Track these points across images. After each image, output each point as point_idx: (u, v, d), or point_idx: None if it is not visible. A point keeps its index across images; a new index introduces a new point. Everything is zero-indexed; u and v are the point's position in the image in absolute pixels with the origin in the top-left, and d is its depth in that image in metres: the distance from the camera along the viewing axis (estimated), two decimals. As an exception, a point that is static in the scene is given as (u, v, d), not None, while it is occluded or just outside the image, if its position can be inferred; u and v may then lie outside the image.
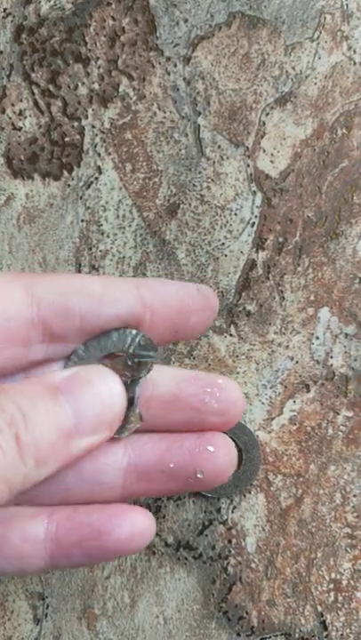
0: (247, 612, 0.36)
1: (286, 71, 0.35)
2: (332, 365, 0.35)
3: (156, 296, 0.26)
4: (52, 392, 0.23)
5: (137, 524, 0.26)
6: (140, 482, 0.26)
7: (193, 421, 0.26)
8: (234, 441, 0.35)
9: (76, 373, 0.24)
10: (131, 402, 0.26)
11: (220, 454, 0.26)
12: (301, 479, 0.36)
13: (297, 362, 0.36)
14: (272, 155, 0.35)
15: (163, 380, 0.27)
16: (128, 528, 0.25)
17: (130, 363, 0.26)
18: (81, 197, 0.36)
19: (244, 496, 0.36)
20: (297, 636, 0.36)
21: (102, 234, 0.36)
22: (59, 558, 0.26)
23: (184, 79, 0.35)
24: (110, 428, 0.25)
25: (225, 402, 0.26)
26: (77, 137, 0.36)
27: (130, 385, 0.26)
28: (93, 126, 0.36)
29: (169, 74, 0.35)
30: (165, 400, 0.26)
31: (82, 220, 0.36)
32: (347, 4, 0.35)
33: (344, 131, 0.35)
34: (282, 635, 0.36)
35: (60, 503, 0.26)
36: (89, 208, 0.36)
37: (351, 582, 0.35)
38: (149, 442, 0.26)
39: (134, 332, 0.26)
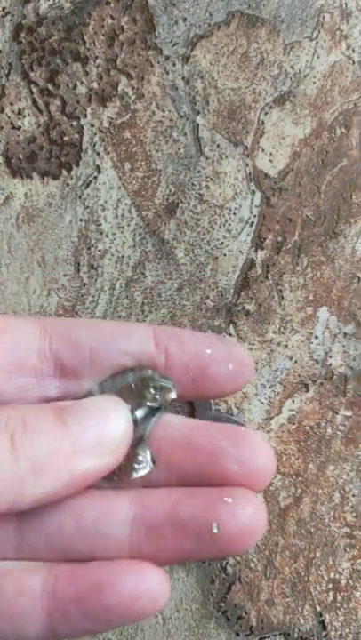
0: (246, 612, 0.36)
1: (285, 70, 0.35)
2: (331, 365, 0.35)
3: (170, 336, 0.24)
4: (58, 412, 0.22)
5: (145, 579, 0.22)
6: (149, 537, 0.23)
7: (209, 470, 0.23)
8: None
9: (84, 400, 0.24)
10: (140, 439, 0.24)
11: (240, 506, 0.22)
12: (300, 479, 0.36)
13: (296, 361, 0.36)
14: (271, 154, 0.35)
15: (175, 422, 0.24)
16: (134, 582, 0.22)
17: (146, 395, 0.24)
18: (80, 197, 0.36)
19: (243, 495, 0.36)
20: (296, 635, 0.36)
21: (101, 233, 0.36)
22: (56, 617, 0.22)
23: (183, 78, 0.35)
24: (113, 454, 0.23)
25: (245, 449, 0.23)
26: (76, 136, 0.36)
27: (141, 421, 0.24)
28: (92, 125, 0.35)
29: (168, 73, 0.35)
30: (177, 442, 0.24)
31: (81, 220, 0.36)
32: (346, 3, 0.35)
33: (343, 130, 0.35)
34: (281, 634, 0.36)
35: (61, 558, 0.23)
36: (88, 207, 0.36)
37: (350, 582, 0.35)
38: (160, 493, 0.23)
39: (150, 371, 0.24)
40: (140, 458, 0.24)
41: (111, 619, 0.22)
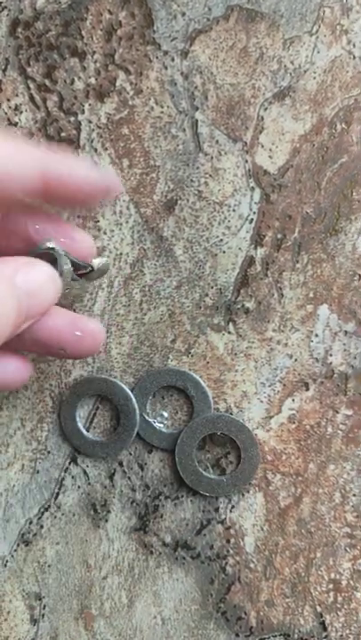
0: (246, 613, 0.35)
1: (285, 65, 0.35)
2: (331, 363, 0.35)
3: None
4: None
5: (8, 365, 0.31)
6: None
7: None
8: (232, 440, 0.35)
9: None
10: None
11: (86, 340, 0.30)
12: (300, 478, 0.35)
13: (296, 360, 0.35)
14: (271, 150, 0.35)
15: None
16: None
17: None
18: (77, 193, 0.35)
19: (243, 495, 0.35)
20: (296, 636, 0.35)
21: (99, 230, 0.35)
22: None
23: (182, 73, 0.35)
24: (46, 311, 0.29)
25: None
26: (74, 132, 0.35)
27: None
28: (90, 121, 0.35)
29: (166, 68, 0.35)
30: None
31: (78, 217, 0.35)
32: (346, -2, 0.34)
33: (343, 126, 0.35)
34: (281, 635, 0.35)
35: None
36: (85, 204, 0.35)
37: (351, 582, 0.35)
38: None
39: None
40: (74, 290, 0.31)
41: None
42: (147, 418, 0.36)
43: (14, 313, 0.26)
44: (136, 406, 0.35)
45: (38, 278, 0.28)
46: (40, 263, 0.28)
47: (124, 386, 0.35)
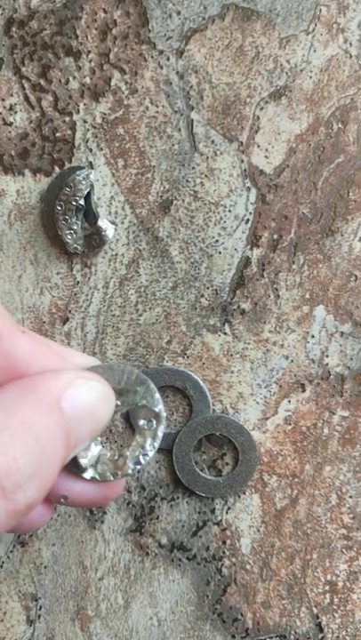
0: (242, 614, 0.35)
1: (281, 64, 0.34)
2: (327, 364, 0.35)
3: None
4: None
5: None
6: None
7: None
8: (230, 441, 0.35)
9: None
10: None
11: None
12: (297, 480, 0.35)
13: (292, 361, 0.35)
14: (267, 150, 0.35)
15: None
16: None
17: None
18: (72, 194, 0.35)
19: (239, 497, 0.35)
20: (292, 637, 0.35)
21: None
22: None
23: (177, 73, 0.34)
24: (99, 433, 0.24)
25: None
26: (69, 132, 0.35)
27: None
28: (85, 121, 0.35)
29: (161, 67, 0.34)
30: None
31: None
32: (343, -4, 0.34)
33: (340, 125, 0.34)
34: (277, 637, 0.35)
35: None
36: (81, 205, 0.35)
37: (347, 584, 0.35)
38: None
39: None
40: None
41: None
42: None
43: (62, 449, 0.21)
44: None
45: (89, 398, 0.23)
46: (90, 377, 0.23)
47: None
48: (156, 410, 0.25)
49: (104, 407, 0.23)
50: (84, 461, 0.25)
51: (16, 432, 0.20)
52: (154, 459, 0.36)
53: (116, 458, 0.25)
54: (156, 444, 0.25)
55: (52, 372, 0.23)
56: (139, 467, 0.25)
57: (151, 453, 0.25)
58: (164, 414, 0.25)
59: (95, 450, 0.25)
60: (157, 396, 0.25)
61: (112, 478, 0.25)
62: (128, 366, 0.25)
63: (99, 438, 0.25)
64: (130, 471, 0.25)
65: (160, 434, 0.25)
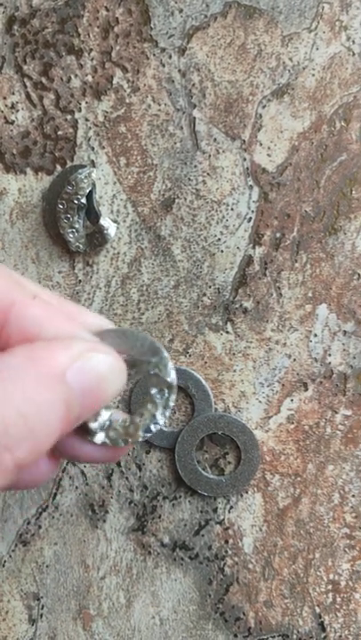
0: (244, 613, 0.35)
1: (283, 62, 0.34)
2: (330, 363, 0.35)
3: None
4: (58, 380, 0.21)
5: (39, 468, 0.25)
6: None
7: None
8: (232, 440, 0.35)
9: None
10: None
11: None
12: (299, 479, 0.35)
13: (295, 360, 0.35)
14: (269, 148, 0.34)
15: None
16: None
17: None
18: (74, 192, 0.35)
19: (241, 496, 0.35)
20: (295, 637, 0.35)
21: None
22: None
23: (179, 71, 0.34)
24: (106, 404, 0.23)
25: None
26: (70, 130, 0.35)
27: None
28: (87, 119, 0.35)
29: (164, 65, 0.34)
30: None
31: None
32: (346, -7, 0.34)
33: (343, 123, 0.34)
34: (279, 636, 0.35)
35: None
36: (83, 203, 0.35)
37: (350, 583, 0.35)
38: None
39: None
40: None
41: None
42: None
43: (60, 421, 0.21)
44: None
45: (97, 372, 0.22)
46: (100, 350, 0.22)
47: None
48: (169, 380, 0.25)
49: (113, 382, 0.22)
50: (93, 425, 0.24)
51: (14, 398, 0.20)
52: (156, 458, 0.36)
53: (127, 424, 0.25)
54: (167, 413, 0.25)
55: (62, 342, 0.22)
56: (149, 434, 0.25)
57: (162, 422, 0.25)
58: (176, 384, 0.25)
59: (105, 415, 0.25)
60: (170, 365, 0.25)
61: (123, 444, 0.25)
62: (142, 333, 0.25)
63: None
64: (140, 438, 0.25)
65: (171, 403, 0.25)
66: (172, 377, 0.25)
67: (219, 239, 0.35)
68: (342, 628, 0.35)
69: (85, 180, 0.34)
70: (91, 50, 0.35)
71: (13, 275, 0.24)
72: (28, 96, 0.35)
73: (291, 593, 0.35)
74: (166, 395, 0.25)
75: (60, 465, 0.36)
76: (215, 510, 0.35)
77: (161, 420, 0.25)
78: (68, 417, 0.21)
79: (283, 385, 0.35)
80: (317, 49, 0.34)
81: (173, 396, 0.25)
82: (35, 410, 0.20)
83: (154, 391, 0.25)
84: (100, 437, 0.25)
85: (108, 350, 0.23)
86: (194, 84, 0.34)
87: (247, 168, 0.35)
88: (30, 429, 0.20)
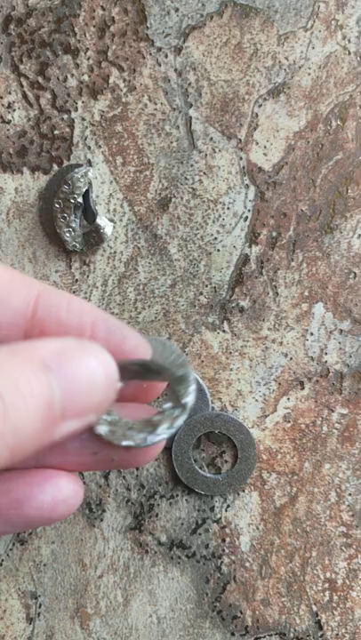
0: (241, 612, 0.35)
1: (279, 61, 0.34)
2: (326, 362, 0.35)
3: None
4: (39, 368, 0.20)
5: (62, 491, 0.23)
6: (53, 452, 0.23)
7: None
8: (229, 439, 0.35)
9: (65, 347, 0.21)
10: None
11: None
12: (296, 477, 0.35)
13: (291, 358, 0.35)
14: (265, 147, 0.35)
15: None
16: (51, 495, 0.23)
17: None
18: (71, 192, 0.35)
19: (238, 494, 0.35)
20: (292, 635, 0.35)
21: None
22: None
23: (175, 70, 0.34)
24: (98, 410, 0.22)
25: None
26: (67, 130, 0.35)
27: None
28: (83, 119, 0.35)
29: (160, 65, 0.34)
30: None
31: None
32: (341, -8, 0.34)
33: (338, 122, 0.34)
34: (276, 634, 0.35)
35: None
36: (79, 202, 0.35)
37: (346, 582, 0.35)
38: None
39: None
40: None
41: (30, 525, 0.23)
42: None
43: (41, 421, 0.19)
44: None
45: (83, 372, 0.20)
46: (91, 348, 0.21)
47: None
48: (183, 401, 0.24)
49: (99, 382, 0.21)
50: (103, 416, 0.24)
51: None
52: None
53: (130, 426, 0.25)
54: (171, 431, 0.24)
55: (48, 338, 0.21)
56: (144, 445, 0.25)
57: (162, 437, 0.25)
58: (190, 407, 0.24)
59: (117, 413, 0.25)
60: (192, 389, 0.24)
61: (118, 443, 0.25)
62: (178, 348, 0.24)
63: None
64: (135, 442, 0.24)
65: (178, 424, 0.24)
66: (188, 400, 0.24)
67: (215, 238, 0.35)
68: (339, 627, 0.35)
69: (82, 180, 0.34)
70: (87, 49, 0.35)
71: (41, 284, 0.24)
72: (24, 95, 0.35)
73: (288, 591, 0.35)
74: (176, 414, 0.24)
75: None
76: (212, 509, 0.35)
77: (161, 435, 0.24)
78: (50, 417, 0.20)
79: (279, 384, 0.35)
80: (313, 48, 0.34)
81: (183, 418, 0.24)
82: (13, 389, 0.19)
83: (167, 405, 0.25)
84: (102, 428, 0.24)
85: (98, 348, 0.22)
86: (190, 84, 0.34)
87: (243, 167, 0.35)
88: (4, 410, 0.19)
